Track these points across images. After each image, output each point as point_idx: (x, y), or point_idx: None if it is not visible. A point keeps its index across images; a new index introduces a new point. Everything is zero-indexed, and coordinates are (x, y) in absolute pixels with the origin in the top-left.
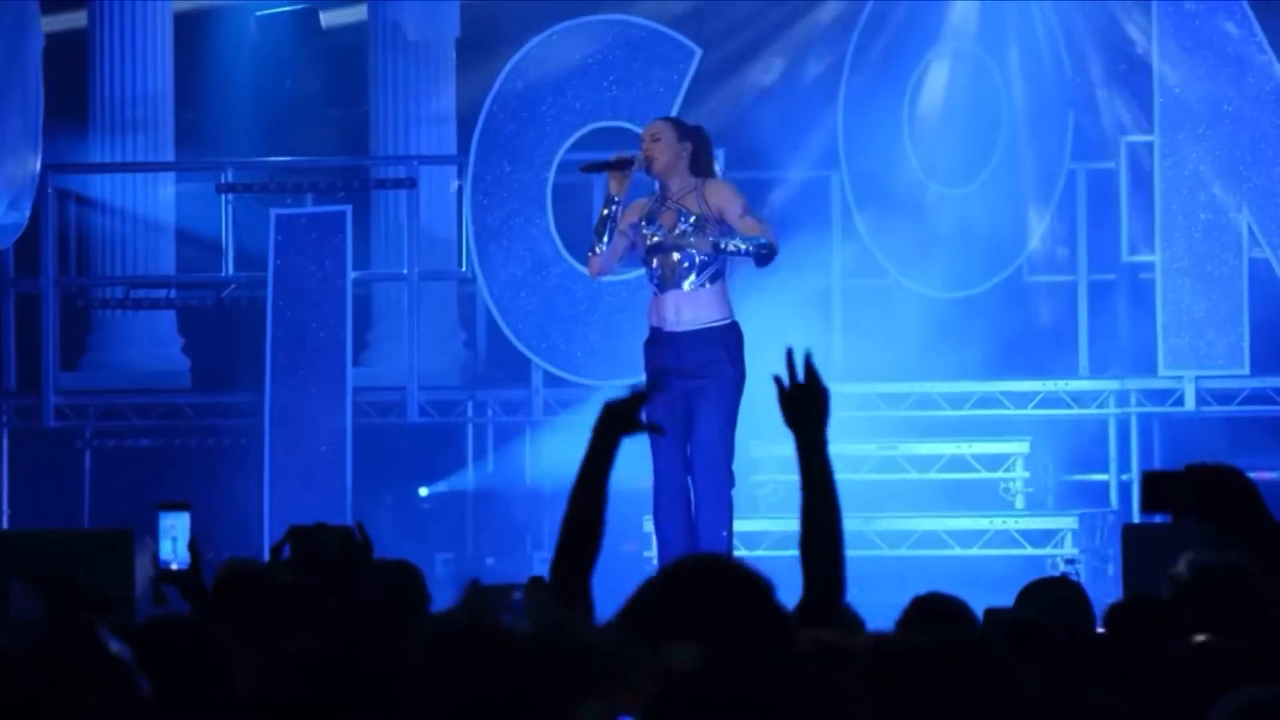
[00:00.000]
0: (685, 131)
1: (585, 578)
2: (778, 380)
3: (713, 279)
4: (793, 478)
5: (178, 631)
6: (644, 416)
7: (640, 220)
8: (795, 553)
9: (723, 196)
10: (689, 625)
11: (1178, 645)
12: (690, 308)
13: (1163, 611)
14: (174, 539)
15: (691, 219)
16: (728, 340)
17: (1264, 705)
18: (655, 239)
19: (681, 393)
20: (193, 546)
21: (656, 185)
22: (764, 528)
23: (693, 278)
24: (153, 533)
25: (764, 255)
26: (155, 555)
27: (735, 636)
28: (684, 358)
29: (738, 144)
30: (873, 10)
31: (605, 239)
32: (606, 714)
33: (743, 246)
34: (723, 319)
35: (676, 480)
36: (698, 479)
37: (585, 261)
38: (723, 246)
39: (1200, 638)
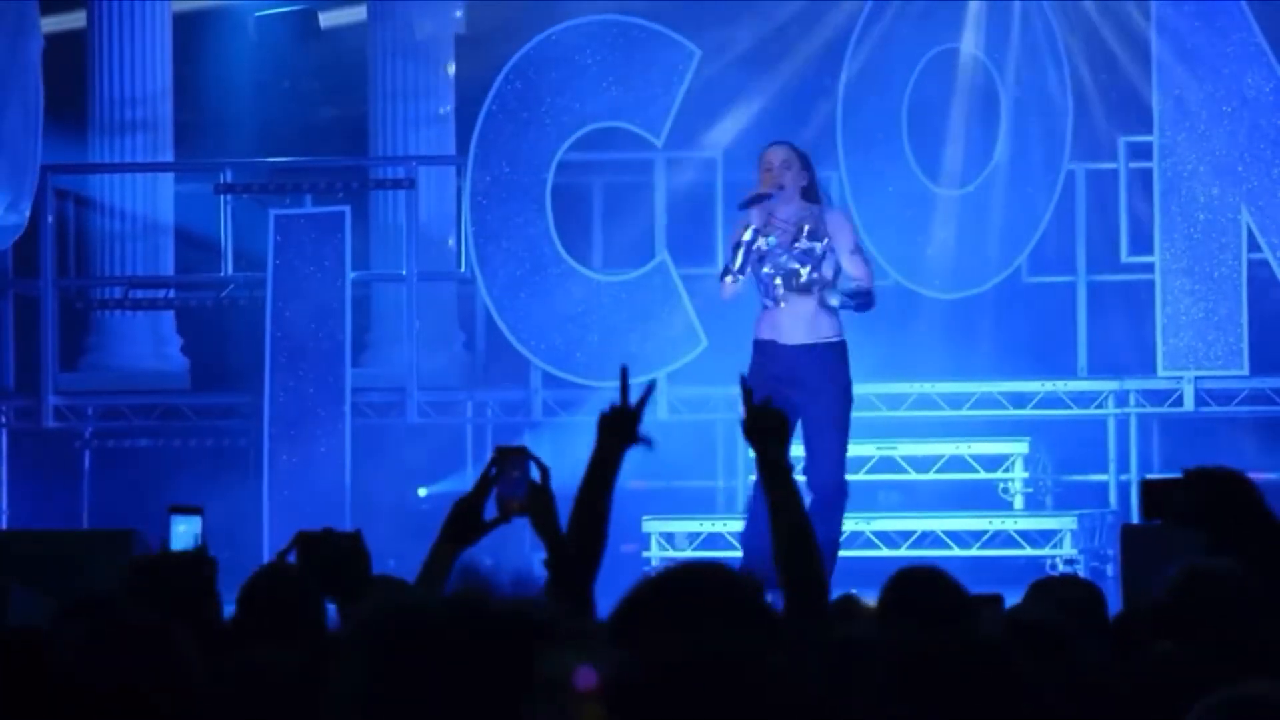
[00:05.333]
0: (805, 160)
1: (588, 585)
2: (745, 390)
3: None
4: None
5: (140, 627)
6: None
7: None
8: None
9: (840, 228)
10: (678, 628)
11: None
12: (803, 322)
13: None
14: (183, 544)
15: (820, 243)
16: (826, 358)
17: (1241, 706)
18: (768, 254)
19: (790, 404)
20: (203, 551)
21: (769, 202)
22: None
23: (805, 292)
24: (164, 536)
25: (863, 307)
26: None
27: (724, 637)
28: (796, 371)
29: (736, 144)
30: (872, 10)
31: (748, 267)
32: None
33: (843, 301)
34: (830, 336)
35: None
36: (816, 490)
37: (724, 278)
38: (830, 301)
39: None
